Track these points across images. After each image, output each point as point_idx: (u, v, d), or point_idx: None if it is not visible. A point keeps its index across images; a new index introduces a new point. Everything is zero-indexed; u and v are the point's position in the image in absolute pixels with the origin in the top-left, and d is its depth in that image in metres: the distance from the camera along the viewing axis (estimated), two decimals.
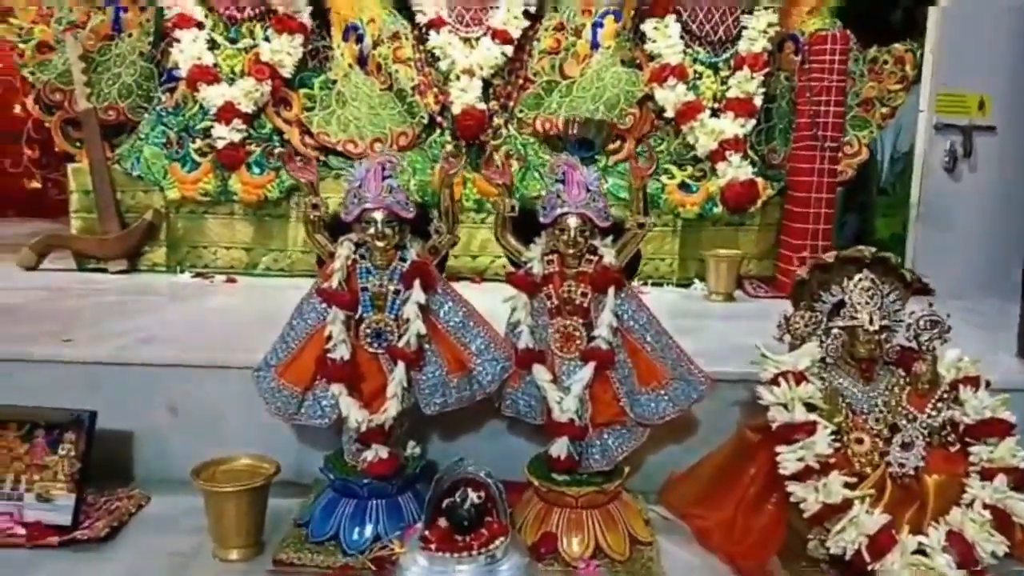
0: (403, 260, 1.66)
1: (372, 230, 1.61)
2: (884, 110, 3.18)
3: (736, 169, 2.88)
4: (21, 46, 3.05)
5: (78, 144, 3.09)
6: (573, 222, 1.62)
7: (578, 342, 1.64)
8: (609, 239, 1.68)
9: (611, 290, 1.63)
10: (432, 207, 1.77)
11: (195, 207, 2.97)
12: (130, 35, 3.05)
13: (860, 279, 1.63)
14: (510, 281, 1.69)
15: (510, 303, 1.69)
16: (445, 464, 1.45)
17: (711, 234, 3.00)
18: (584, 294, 1.64)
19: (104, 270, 2.95)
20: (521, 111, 3.10)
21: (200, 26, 2.93)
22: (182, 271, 2.98)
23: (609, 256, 1.64)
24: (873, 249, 1.66)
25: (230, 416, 1.87)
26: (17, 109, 4.54)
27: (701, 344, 1.94)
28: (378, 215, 1.61)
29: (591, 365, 1.61)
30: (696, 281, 2.96)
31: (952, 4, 4.88)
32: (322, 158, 3.01)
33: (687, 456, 1.86)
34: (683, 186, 2.99)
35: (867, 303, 1.61)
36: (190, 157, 2.95)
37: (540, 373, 1.63)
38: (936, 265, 5.06)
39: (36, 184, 4.68)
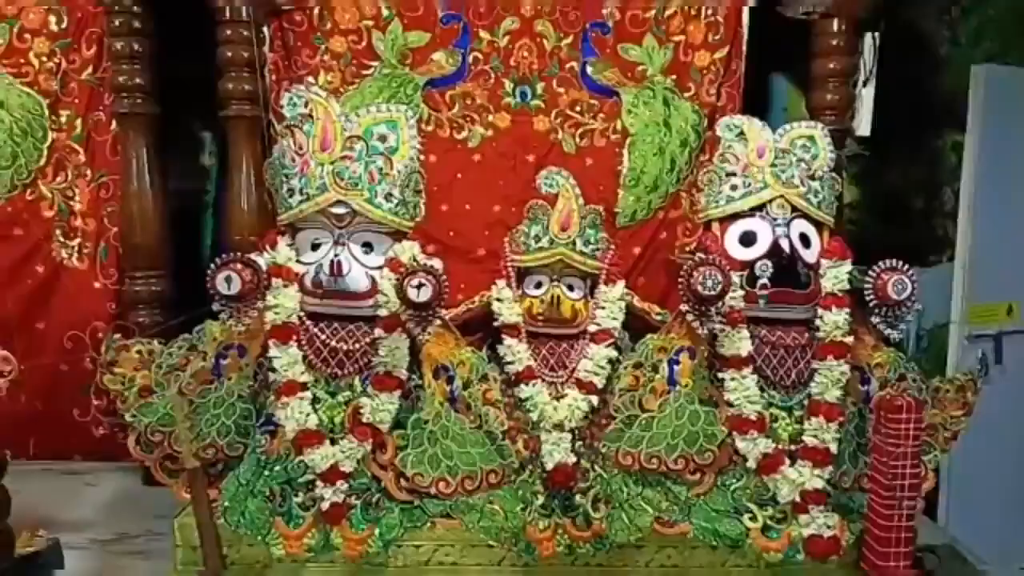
0: None
1: None
2: (947, 434, 3.34)
3: (819, 525, 3.01)
4: (125, 393, 3.20)
5: (175, 475, 3.21)
6: None
7: None
8: None
9: None
10: None
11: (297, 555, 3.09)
12: (230, 378, 3.20)
13: None
14: None
15: None
16: None
17: (792, 570, 3.13)
18: None
19: None
20: (605, 446, 3.26)
21: (304, 387, 3.08)
22: None
23: None
24: None
25: None
26: (87, 362, 4.76)
27: None
28: None
29: None
30: None
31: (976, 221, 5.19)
32: (417, 503, 3.15)
33: None
34: (765, 528, 3.12)
35: None
36: (294, 511, 3.06)
37: None
38: (976, 465, 5.21)
39: (103, 431, 4.83)
